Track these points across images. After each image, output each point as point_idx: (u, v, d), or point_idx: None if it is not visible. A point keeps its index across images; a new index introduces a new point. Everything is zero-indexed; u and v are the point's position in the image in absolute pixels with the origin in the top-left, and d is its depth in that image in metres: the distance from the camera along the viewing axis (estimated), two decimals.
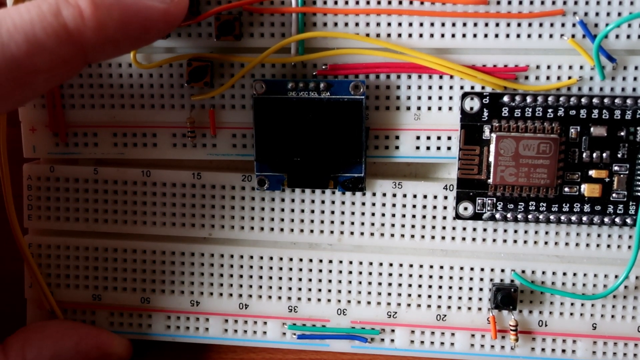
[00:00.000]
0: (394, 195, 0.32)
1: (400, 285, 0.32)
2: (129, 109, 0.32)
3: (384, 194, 0.32)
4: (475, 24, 0.30)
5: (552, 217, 0.30)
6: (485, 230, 0.32)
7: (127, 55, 0.31)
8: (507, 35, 0.30)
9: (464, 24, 0.30)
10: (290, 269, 0.33)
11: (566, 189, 0.30)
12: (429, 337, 0.33)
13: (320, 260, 0.32)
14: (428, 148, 0.31)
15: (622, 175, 0.30)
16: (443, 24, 0.30)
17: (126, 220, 0.33)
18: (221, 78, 0.31)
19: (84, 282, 0.34)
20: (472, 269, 0.32)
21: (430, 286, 0.32)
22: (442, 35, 0.30)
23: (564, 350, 0.32)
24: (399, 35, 0.31)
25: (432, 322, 0.32)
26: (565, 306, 0.32)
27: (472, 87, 0.31)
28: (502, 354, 0.32)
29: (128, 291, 0.33)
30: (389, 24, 0.30)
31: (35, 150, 0.33)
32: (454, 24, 0.30)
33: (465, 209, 0.31)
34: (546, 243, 0.32)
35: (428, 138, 0.31)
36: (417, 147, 0.31)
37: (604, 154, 0.30)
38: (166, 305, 0.33)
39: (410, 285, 0.32)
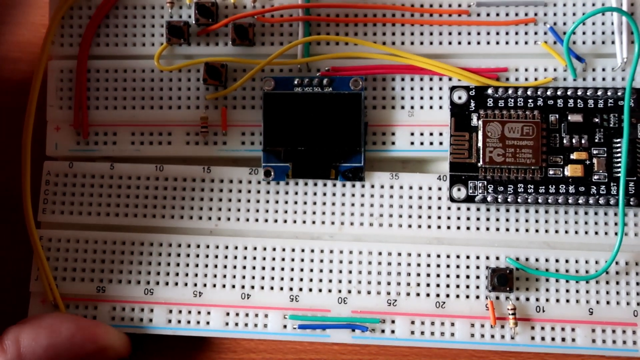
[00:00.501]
0: (392, 186, 0.34)
1: (399, 274, 0.33)
2: (148, 109, 0.35)
3: (382, 186, 0.34)
4: (459, 33, 0.34)
5: (540, 198, 0.32)
6: (478, 219, 0.33)
7: (150, 61, 0.35)
8: (488, 42, 0.34)
9: (450, 33, 0.35)
10: (292, 260, 0.34)
11: (551, 172, 0.32)
12: (429, 326, 0.33)
13: (322, 251, 0.34)
14: (422, 143, 0.34)
15: (601, 158, 0.32)
16: (431, 33, 0.35)
17: (136, 213, 0.35)
18: (234, 82, 0.35)
19: (90, 274, 0.34)
20: (468, 257, 0.33)
21: (428, 274, 0.33)
22: (431, 43, 0.35)
23: (563, 339, 0.33)
24: (393, 43, 0.35)
25: (432, 310, 0.33)
26: (561, 292, 0.33)
27: None
28: (502, 342, 0.33)
29: (132, 283, 0.34)
30: (384, 33, 0.35)
31: (57, 147, 0.35)
32: (440, 33, 0.35)
33: (459, 190, 0.33)
34: (537, 231, 0.33)
35: (422, 134, 0.34)
36: (412, 143, 0.34)
37: (583, 139, 0.33)
38: (169, 296, 0.34)
39: (409, 274, 0.33)
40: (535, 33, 0.34)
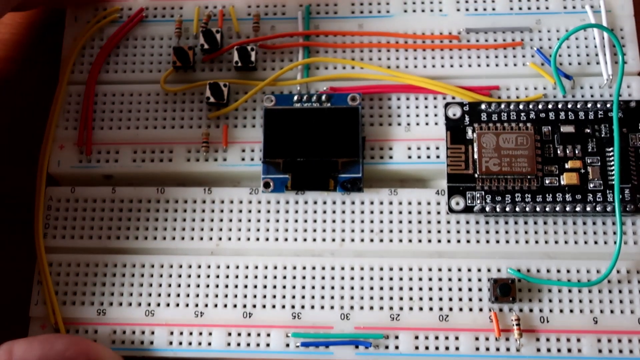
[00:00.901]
0: (391, 202, 0.34)
1: (401, 288, 0.33)
2: (151, 129, 0.36)
3: (381, 202, 0.34)
4: (451, 57, 0.36)
5: (537, 207, 0.33)
6: (478, 232, 0.34)
7: (156, 85, 0.36)
8: (479, 65, 0.36)
9: (442, 57, 0.36)
10: (294, 277, 0.34)
11: (547, 181, 0.33)
12: (433, 341, 0.33)
13: (323, 267, 0.34)
14: (419, 157, 0.35)
15: (595, 166, 0.33)
16: (424, 57, 0.36)
17: (137, 236, 0.35)
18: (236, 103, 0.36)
19: (90, 298, 0.34)
20: (469, 269, 0.33)
21: (430, 288, 0.33)
22: (425, 66, 0.36)
23: (569, 350, 0.32)
24: (388, 66, 0.36)
25: (435, 324, 0.33)
26: (564, 302, 0.33)
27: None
28: (507, 355, 0.32)
29: (133, 305, 0.34)
30: (379, 58, 0.36)
31: (60, 165, 0.36)
32: (433, 57, 0.36)
33: (457, 203, 0.33)
34: (537, 242, 0.33)
35: (418, 148, 0.35)
36: (409, 157, 0.35)
37: (576, 149, 0.33)
38: (170, 318, 0.33)
39: (411, 288, 0.33)
40: (523, 56, 0.36)
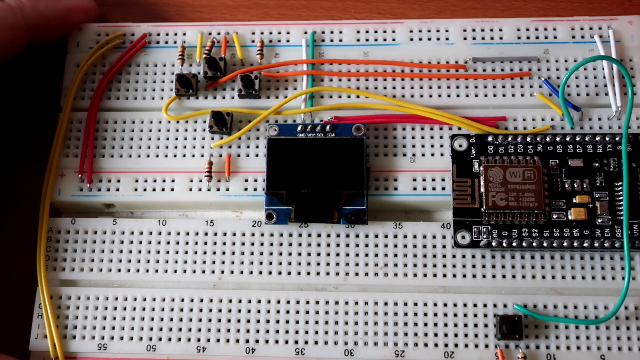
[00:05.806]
0: (395, 236, 0.34)
1: (406, 324, 0.33)
2: (153, 157, 0.35)
3: (386, 235, 0.34)
4: (457, 86, 0.36)
5: (544, 242, 0.32)
6: (484, 266, 0.33)
7: (158, 112, 0.36)
8: (485, 95, 0.35)
9: (448, 87, 0.36)
10: (297, 312, 0.33)
11: (554, 216, 0.33)
12: None
13: (327, 302, 0.33)
14: (424, 188, 0.34)
15: (603, 201, 0.33)
16: (430, 87, 0.36)
17: (139, 269, 0.34)
18: (239, 131, 0.35)
19: (91, 332, 0.33)
20: (475, 304, 0.33)
21: (435, 324, 0.33)
22: (430, 96, 0.36)
23: None
24: (394, 95, 0.36)
25: None
26: (571, 339, 0.32)
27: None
28: None
29: (134, 340, 0.33)
30: (385, 87, 0.36)
31: (60, 193, 0.35)
32: (439, 87, 0.36)
33: (463, 237, 0.33)
34: (543, 277, 0.33)
35: (424, 179, 0.34)
36: (414, 188, 0.34)
37: (584, 184, 0.33)
38: (172, 352, 0.33)
39: (416, 324, 0.33)
40: (531, 86, 0.35)
